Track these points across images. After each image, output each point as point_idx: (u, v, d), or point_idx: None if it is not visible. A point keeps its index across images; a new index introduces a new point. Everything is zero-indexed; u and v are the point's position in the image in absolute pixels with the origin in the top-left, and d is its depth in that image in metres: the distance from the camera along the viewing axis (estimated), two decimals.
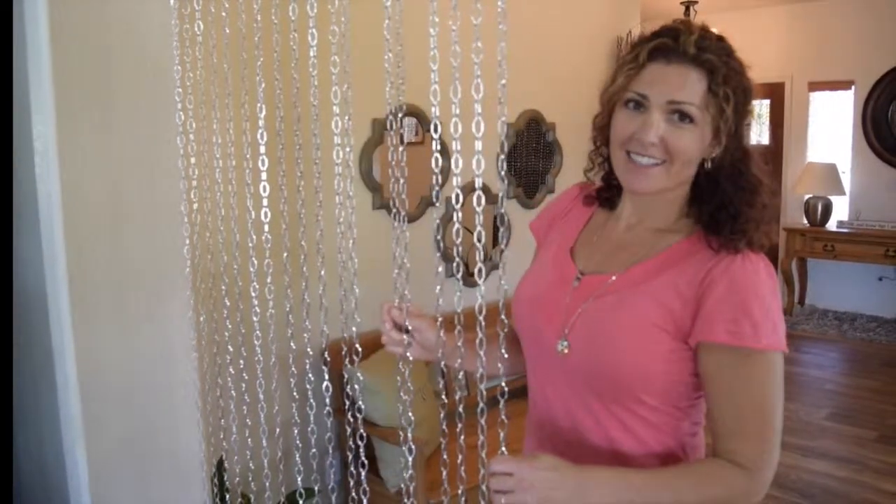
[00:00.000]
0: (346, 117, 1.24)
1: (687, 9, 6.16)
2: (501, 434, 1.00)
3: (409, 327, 1.26)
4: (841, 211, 6.42)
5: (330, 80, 1.22)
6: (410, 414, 1.22)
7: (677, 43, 1.11)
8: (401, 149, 1.24)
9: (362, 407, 1.18)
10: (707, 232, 1.16)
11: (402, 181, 1.22)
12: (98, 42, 1.78)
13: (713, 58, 1.11)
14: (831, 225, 6.30)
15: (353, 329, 1.33)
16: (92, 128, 1.79)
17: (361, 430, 1.29)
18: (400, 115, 1.23)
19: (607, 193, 1.32)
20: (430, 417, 2.94)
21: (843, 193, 6.31)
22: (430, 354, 1.28)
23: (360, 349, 1.30)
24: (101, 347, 1.84)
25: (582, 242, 1.31)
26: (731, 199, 1.16)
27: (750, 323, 1.07)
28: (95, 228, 1.81)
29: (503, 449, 1.01)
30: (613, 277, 1.19)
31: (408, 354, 1.25)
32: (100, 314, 1.84)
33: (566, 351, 1.18)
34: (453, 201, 1.03)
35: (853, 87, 6.36)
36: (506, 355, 1.03)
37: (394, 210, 1.20)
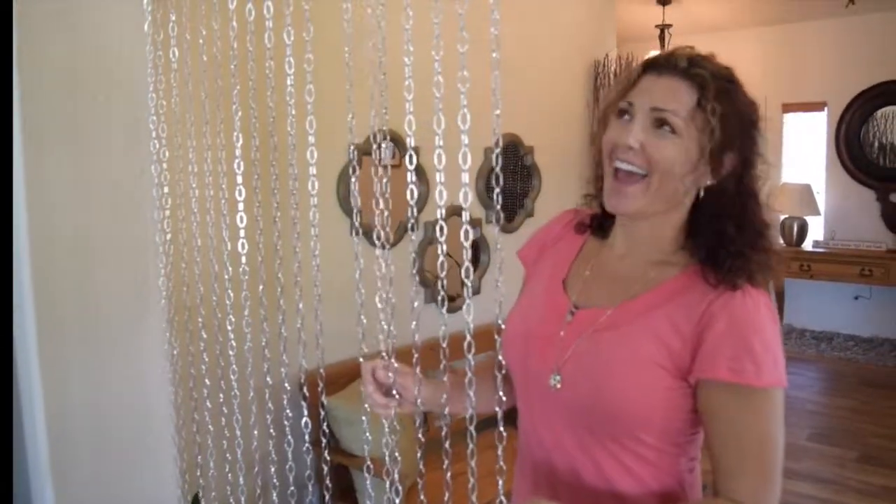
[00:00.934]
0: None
1: (662, 32, 6.22)
2: (500, 482, 0.96)
3: (395, 389, 1.20)
4: (816, 231, 6.48)
5: (305, 108, 1.20)
6: (397, 454, 1.19)
7: (671, 57, 1.13)
8: (385, 180, 1.21)
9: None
10: (706, 266, 1.13)
11: (385, 213, 1.19)
12: (68, 69, 1.74)
13: (705, 73, 1.10)
14: (807, 245, 6.35)
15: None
16: (61, 156, 1.74)
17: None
18: (383, 144, 1.20)
19: (602, 221, 1.29)
20: (409, 448, 2.89)
21: (818, 213, 6.37)
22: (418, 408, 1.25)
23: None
24: (71, 381, 1.78)
25: (574, 273, 1.27)
26: (733, 239, 1.13)
27: (751, 359, 1.04)
28: (65, 261, 1.76)
29: (501, 498, 0.97)
30: (609, 312, 1.16)
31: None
32: (69, 348, 1.78)
33: (558, 386, 1.15)
34: (437, 233, 1.01)
35: (826, 109, 6.44)
36: (504, 398, 0.99)
37: (378, 243, 1.16)
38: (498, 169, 0.99)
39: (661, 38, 6.27)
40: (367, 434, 1.22)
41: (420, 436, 1.20)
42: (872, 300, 6.39)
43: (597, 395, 1.11)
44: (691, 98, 1.10)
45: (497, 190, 1.01)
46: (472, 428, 1.03)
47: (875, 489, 3.76)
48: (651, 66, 1.14)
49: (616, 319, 1.14)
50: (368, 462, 1.16)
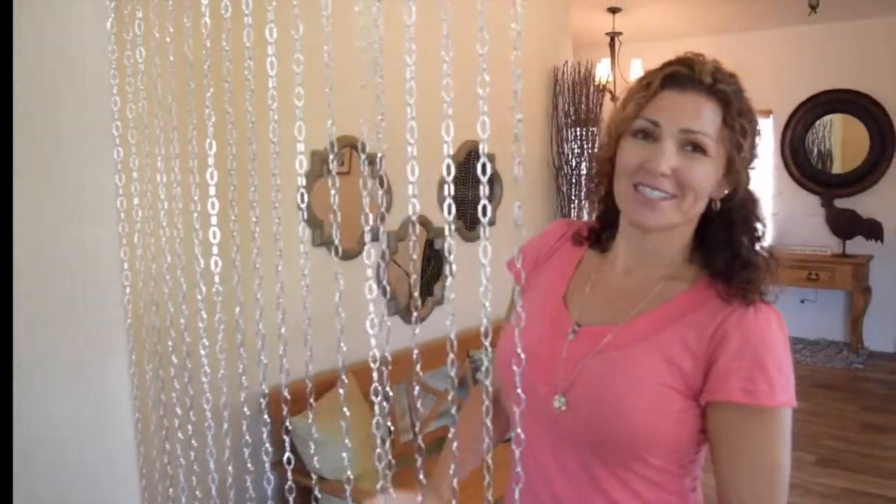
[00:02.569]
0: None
1: (612, 40, 6.25)
2: None
3: None
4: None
5: (294, 113, 1.10)
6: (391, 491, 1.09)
7: (693, 71, 1.06)
8: (381, 192, 1.11)
9: None
10: (717, 280, 1.08)
11: (382, 230, 1.09)
12: (27, 68, 1.59)
13: (728, 89, 1.06)
14: None
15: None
16: (15, 164, 1.59)
17: None
18: (379, 155, 1.10)
19: (601, 234, 1.24)
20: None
21: (762, 209, 6.49)
22: None
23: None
24: (22, 407, 1.63)
25: (574, 288, 1.21)
26: (747, 249, 1.10)
27: (765, 379, 1.00)
28: (17, 275, 1.61)
29: None
30: (615, 330, 1.10)
31: None
32: (22, 373, 1.63)
33: (563, 408, 1.09)
34: (446, 251, 0.93)
35: (771, 116, 6.57)
36: (522, 435, 0.91)
37: (368, 259, 1.07)
38: (520, 177, 0.91)
39: (612, 45, 6.31)
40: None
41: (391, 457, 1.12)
42: (818, 303, 6.53)
43: (605, 419, 1.06)
44: (717, 116, 1.06)
45: (517, 207, 0.93)
46: (488, 458, 0.94)
47: (836, 491, 3.80)
48: (672, 81, 1.08)
49: (623, 338, 1.09)
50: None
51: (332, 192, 1.05)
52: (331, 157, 0.97)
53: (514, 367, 1.00)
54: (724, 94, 1.06)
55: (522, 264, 1.33)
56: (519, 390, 0.91)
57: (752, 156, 1.11)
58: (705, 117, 1.05)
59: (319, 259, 3.00)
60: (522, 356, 0.92)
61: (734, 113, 1.05)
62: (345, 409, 1.09)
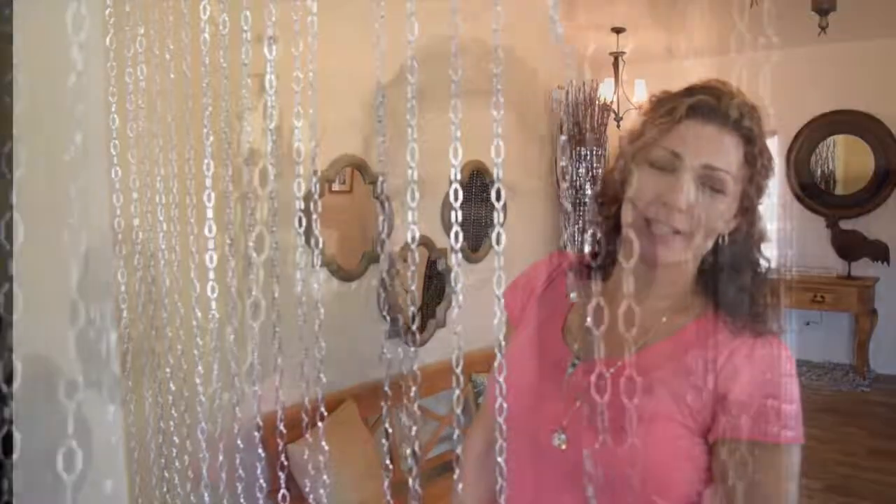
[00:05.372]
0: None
1: (616, 59, 6.24)
2: None
3: None
4: None
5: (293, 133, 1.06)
6: None
7: (719, 103, 1.02)
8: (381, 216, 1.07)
9: None
10: (723, 312, 1.05)
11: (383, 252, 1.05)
12: (21, 86, 1.55)
13: (753, 127, 1.02)
14: None
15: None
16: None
17: None
18: (380, 179, 1.06)
19: (601, 262, 1.18)
20: (381, 494, 2.72)
21: (770, 240, 6.44)
22: None
23: None
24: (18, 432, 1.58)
25: (573, 321, 1.16)
26: (752, 283, 1.07)
27: (776, 415, 0.97)
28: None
29: None
30: (617, 364, 1.05)
31: None
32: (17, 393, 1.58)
33: (563, 446, 1.04)
34: (452, 280, 0.88)
35: (776, 137, 6.54)
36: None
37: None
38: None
39: (615, 65, 6.29)
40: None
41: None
42: (823, 325, 6.46)
43: (609, 457, 1.00)
44: (739, 153, 1.03)
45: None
46: (502, 500, 0.89)
47: None
48: (697, 110, 1.03)
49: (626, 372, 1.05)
50: None
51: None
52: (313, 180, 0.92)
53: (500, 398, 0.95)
54: (749, 131, 1.02)
55: (515, 297, 1.28)
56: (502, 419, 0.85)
57: (764, 192, 1.08)
58: (728, 153, 1.02)
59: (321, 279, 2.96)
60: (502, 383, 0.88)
61: (756, 151, 1.03)
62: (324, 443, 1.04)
